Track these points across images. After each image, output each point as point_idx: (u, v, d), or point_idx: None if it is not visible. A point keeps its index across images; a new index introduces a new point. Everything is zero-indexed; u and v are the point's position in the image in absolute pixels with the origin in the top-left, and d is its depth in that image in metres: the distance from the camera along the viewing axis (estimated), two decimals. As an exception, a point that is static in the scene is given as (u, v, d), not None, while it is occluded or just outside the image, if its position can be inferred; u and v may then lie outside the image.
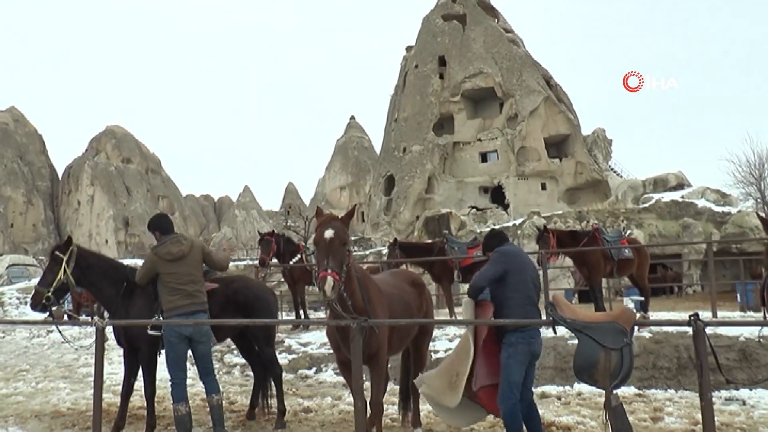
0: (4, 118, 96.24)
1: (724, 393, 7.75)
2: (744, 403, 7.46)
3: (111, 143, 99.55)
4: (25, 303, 27.61)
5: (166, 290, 6.05)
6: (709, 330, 3.84)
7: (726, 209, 29.85)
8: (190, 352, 6.23)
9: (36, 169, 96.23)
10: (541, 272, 13.76)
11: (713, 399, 3.88)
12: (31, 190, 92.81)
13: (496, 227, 34.55)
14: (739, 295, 16.60)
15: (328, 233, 4.89)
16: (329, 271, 4.69)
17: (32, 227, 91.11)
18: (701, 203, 30.41)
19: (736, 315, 12.69)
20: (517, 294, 5.15)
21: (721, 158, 59.18)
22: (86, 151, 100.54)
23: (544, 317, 5.33)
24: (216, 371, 10.66)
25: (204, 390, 6.36)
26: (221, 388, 9.13)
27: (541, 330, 5.53)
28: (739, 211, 29.32)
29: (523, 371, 5.12)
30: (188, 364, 6.68)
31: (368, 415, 5.23)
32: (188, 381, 6.42)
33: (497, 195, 50.86)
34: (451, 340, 10.17)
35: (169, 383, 6.08)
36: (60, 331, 7.85)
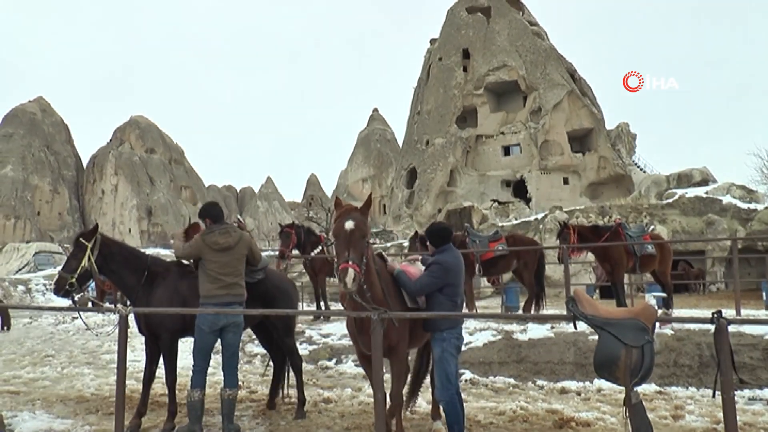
0: (32, 107, 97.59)
1: (747, 392, 7.66)
2: None
3: (135, 133, 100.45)
4: (51, 289, 28.08)
5: (207, 278, 6.08)
6: (733, 328, 3.78)
7: (752, 206, 29.27)
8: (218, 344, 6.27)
9: (62, 158, 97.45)
10: (561, 267, 13.77)
11: (736, 398, 3.82)
12: (57, 178, 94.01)
13: (518, 220, 34.40)
14: (764, 294, 16.34)
15: (349, 224, 4.84)
16: (350, 263, 4.64)
17: (58, 215, 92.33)
18: (726, 199, 29.86)
19: (761, 314, 12.52)
20: (448, 301, 5.32)
21: (748, 153, 57.52)
22: (110, 140, 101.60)
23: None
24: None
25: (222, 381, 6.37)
26: (242, 377, 9.27)
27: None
28: (766, 208, 28.77)
29: (456, 363, 5.40)
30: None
31: (388, 407, 5.25)
32: (211, 370, 6.46)
33: (519, 189, 50.52)
34: (471, 334, 10.17)
35: (191, 370, 6.15)
36: (83, 319, 7.94)
